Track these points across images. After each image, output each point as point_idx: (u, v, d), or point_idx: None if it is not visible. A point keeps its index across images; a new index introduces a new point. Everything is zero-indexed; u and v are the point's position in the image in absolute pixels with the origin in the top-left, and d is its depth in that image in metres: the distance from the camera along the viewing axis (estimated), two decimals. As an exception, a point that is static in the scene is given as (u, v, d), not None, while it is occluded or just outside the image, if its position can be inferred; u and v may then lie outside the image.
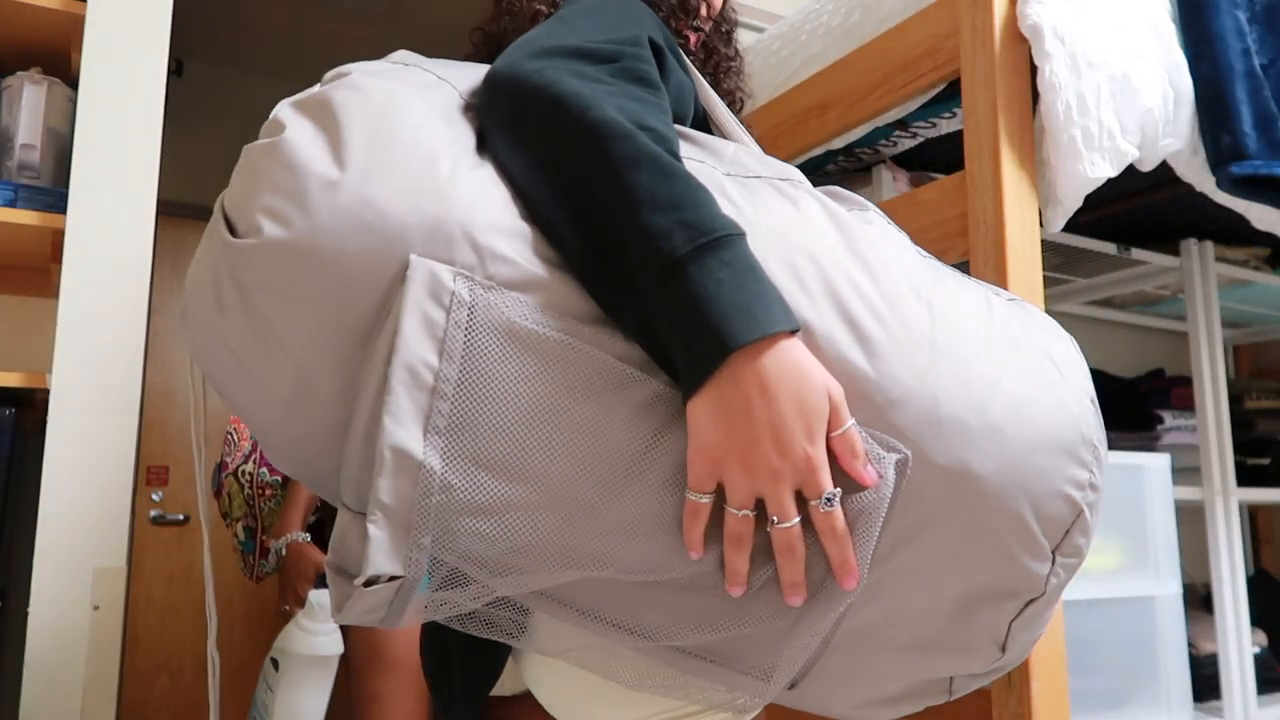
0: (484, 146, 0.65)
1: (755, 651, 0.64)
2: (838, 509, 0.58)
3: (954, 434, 0.62)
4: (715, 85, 0.99)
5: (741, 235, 0.59)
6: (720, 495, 0.58)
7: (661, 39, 0.77)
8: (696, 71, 0.85)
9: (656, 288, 0.57)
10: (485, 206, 0.60)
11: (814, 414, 0.57)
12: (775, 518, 0.58)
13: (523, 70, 0.63)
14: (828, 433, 0.58)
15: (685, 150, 0.70)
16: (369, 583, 0.55)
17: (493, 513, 0.57)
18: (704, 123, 0.85)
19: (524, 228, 0.60)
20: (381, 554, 0.54)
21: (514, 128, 0.63)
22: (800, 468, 0.57)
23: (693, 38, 0.97)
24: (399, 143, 0.60)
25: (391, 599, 0.57)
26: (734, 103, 1.01)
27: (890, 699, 0.70)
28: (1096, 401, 0.70)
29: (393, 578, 0.56)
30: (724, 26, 1.03)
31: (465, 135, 0.64)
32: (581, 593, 0.62)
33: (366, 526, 0.55)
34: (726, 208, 0.63)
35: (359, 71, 0.65)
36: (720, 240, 0.57)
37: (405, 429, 0.55)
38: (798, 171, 0.72)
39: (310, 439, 0.62)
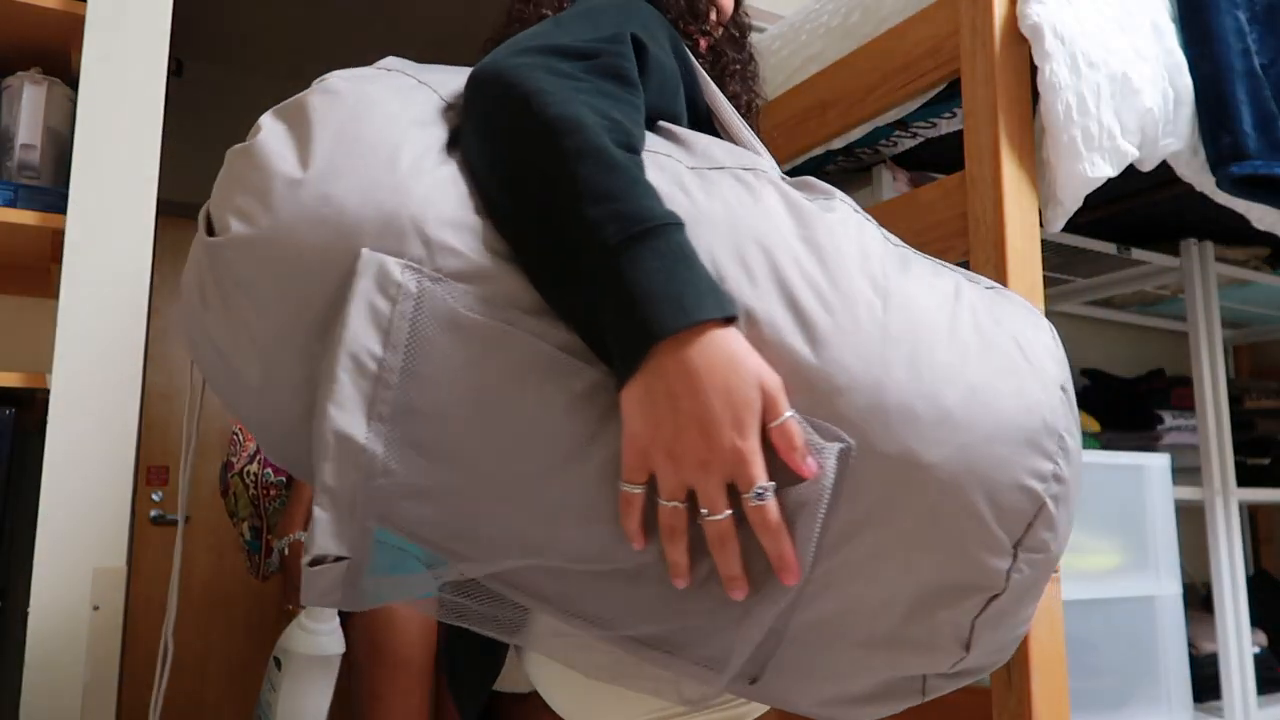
0: (455, 145, 0.65)
1: (707, 643, 0.64)
2: (770, 502, 0.57)
3: (901, 422, 0.60)
4: (721, 89, 0.99)
5: (678, 225, 0.59)
6: (654, 486, 0.58)
7: (665, 36, 0.77)
8: (704, 73, 0.85)
9: (591, 278, 0.57)
10: (439, 201, 0.61)
11: (743, 405, 0.56)
12: (705, 510, 0.57)
13: (499, 68, 0.64)
14: (765, 424, 0.57)
15: (656, 144, 0.70)
16: (316, 563, 0.56)
17: (434, 497, 0.58)
18: (709, 122, 0.85)
19: (477, 221, 0.61)
20: (326, 535, 0.56)
21: (484, 123, 0.63)
22: (729, 460, 0.56)
23: (701, 41, 0.98)
24: (362, 142, 0.62)
25: (341, 580, 0.58)
26: (740, 106, 1.01)
27: (860, 698, 0.68)
28: (1070, 391, 0.67)
29: (339, 559, 0.57)
30: (734, 31, 1.03)
31: (436, 135, 0.65)
32: (535, 580, 0.63)
33: (313, 508, 0.56)
34: (681, 199, 0.63)
35: (337, 76, 0.67)
36: (653, 230, 0.57)
37: (348, 415, 0.56)
38: (767, 161, 0.72)
39: (284, 428, 0.65)
